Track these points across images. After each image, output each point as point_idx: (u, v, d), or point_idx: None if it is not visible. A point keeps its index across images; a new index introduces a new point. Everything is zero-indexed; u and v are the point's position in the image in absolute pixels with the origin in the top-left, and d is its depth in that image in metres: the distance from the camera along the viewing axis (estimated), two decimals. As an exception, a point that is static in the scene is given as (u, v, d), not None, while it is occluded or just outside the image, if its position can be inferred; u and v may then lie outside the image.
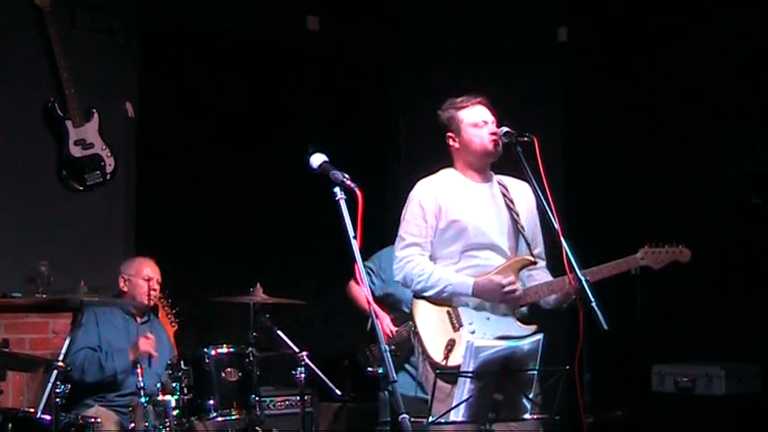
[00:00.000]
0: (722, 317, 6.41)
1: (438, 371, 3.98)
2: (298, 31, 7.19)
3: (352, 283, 5.94)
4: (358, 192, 3.40)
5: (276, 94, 7.04)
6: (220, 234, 6.69)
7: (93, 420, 4.71)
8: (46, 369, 4.82)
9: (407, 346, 5.21)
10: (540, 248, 4.40)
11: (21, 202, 5.94)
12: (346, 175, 3.48)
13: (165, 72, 6.58)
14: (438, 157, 4.42)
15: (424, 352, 4.20)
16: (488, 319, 4.21)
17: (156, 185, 6.50)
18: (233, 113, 6.87)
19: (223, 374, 5.13)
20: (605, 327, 3.75)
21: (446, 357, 4.11)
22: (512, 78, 7.12)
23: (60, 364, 4.52)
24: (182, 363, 5.09)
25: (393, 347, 5.44)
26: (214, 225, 6.68)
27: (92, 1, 6.25)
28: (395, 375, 3.35)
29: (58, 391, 4.46)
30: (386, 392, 5.22)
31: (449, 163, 4.41)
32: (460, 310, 4.23)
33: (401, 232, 4.33)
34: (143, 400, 4.90)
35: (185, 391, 5.03)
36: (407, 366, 5.42)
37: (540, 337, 3.95)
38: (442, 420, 3.82)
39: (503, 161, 4.35)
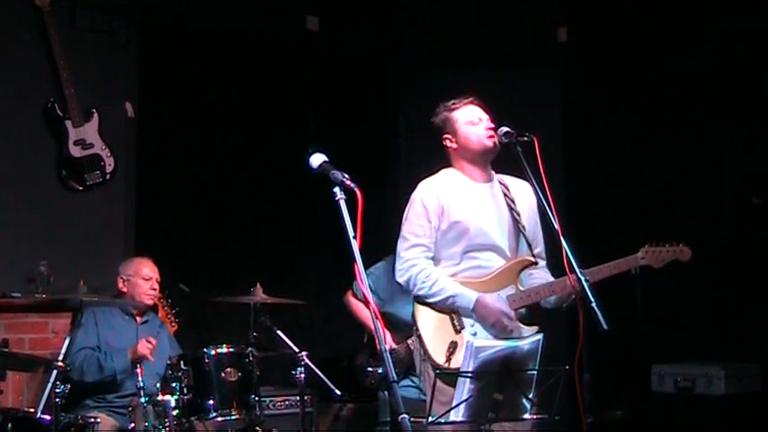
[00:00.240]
0: (722, 317, 6.41)
1: (438, 371, 3.98)
2: (297, 32, 7.19)
3: (350, 296, 5.85)
4: (358, 192, 3.38)
5: (276, 94, 7.04)
6: (220, 234, 6.69)
7: (92, 420, 4.71)
8: (45, 369, 4.80)
9: (407, 363, 5.21)
10: (540, 248, 4.39)
11: (20, 202, 5.93)
12: (346, 175, 3.47)
13: (165, 72, 6.58)
14: (438, 157, 4.40)
15: (426, 354, 4.19)
16: (489, 320, 4.21)
17: (156, 185, 6.50)
18: (233, 113, 6.86)
19: (223, 374, 5.12)
20: (605, 327, 3.74)
21: (448, 360, 4.10)
22: (512, 78, 7.12)
23: (60, 364, 4.51)
24: (182, 363, 5.08)
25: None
26: (214, 225, 6.68)
27: (92, 1, 6.25)
28: (395, 375, 3.34)
29: (57, 391, 4.46)
30: (385, 392, 5.21)
31: (449, 163, 4.40)
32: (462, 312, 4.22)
33: (404, 233, 4.30)
34: (143, 400, 4.89)
35: (185, 391, 5.02)
36: (407, 380, 5.37)
37: (539, 337, 3.96)
38: (442, 420, 3.82)
39: (503, 161, 4.33)
